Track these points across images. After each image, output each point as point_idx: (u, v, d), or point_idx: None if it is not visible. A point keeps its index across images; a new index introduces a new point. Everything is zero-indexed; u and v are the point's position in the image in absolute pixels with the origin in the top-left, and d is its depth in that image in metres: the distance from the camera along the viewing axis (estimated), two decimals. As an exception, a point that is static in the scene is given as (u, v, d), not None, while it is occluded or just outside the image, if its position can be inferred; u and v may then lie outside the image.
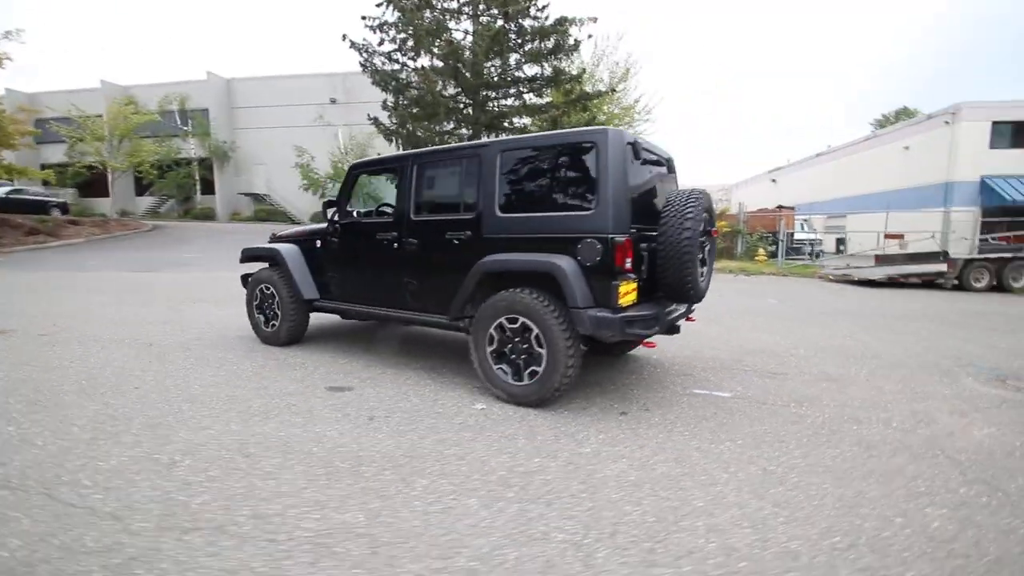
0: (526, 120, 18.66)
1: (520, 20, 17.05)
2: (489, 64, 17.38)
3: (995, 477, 2.61)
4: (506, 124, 18.75)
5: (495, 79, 18.12)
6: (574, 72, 18.71)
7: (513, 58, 17.84)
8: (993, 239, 13.87)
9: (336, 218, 4.57)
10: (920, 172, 21.43)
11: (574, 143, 3.32)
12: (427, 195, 4.08)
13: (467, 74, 17.41)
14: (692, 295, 3.46)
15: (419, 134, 18.07)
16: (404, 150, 18.99)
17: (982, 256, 11.44)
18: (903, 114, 48.17)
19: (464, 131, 19.11)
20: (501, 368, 3.55)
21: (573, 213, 3.28)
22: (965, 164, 19.73)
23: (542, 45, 17.64)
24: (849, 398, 3.85)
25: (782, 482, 2.51)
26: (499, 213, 3.57)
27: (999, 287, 11.15)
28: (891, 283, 12.06)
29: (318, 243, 4.80)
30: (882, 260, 13.32)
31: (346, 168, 23.88)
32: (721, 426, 3.21)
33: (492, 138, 19.41)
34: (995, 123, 19.29)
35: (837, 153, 29.51)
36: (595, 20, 17.30)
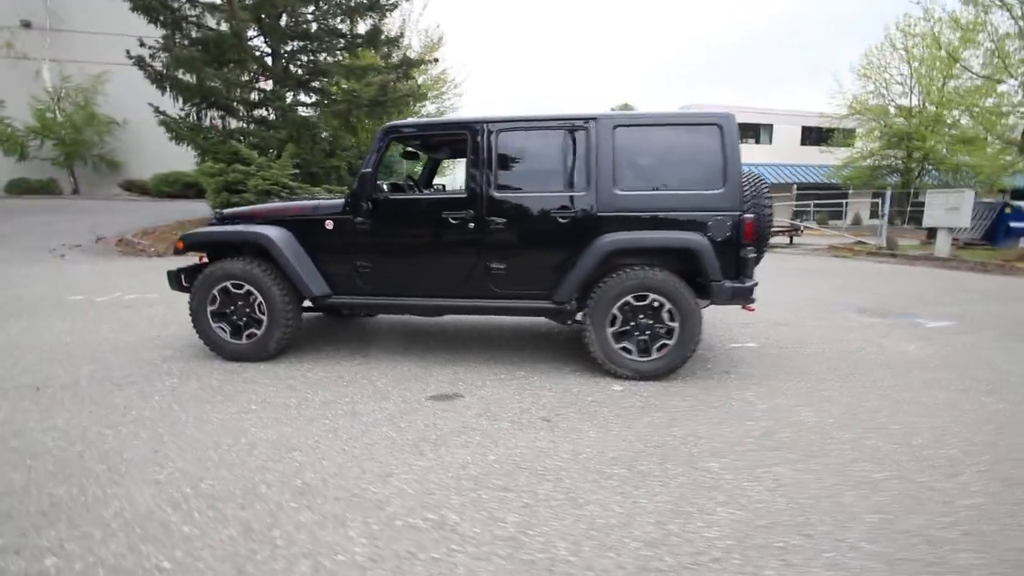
0: (346, 84, 16.91)
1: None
2: (302, 10, 15.12)
3: (983, 375, 3.85)
4: (323, 83, 16.74)
5: (304, 29, 15.85)
6: (392, 34, 17.62)
7: (327, 7, 15.84)
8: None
9: (368, 192, 3.68)
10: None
11: (697, 124, 3.45)
12: (516, 169, 3.65)
13: (269, 19, 14.83)
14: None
15: (211, 83, 14.80)
16: (184, 99, 15.30)
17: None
18: (623, 107, 59.32)
19: (266, 85, 16.37)
20: (623, 347, 3.54)
21: (702, 192, 3.43)
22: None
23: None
24: (817, 337, 4.98)
25: (921, 404, 3.24)
26: (616, 190, 3.48)
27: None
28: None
29: (329, 225, 3.80)
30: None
31: (60, 119, 18.49)
32: (804, 372, 3.86)
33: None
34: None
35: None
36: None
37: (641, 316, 3.50)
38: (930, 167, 22.31)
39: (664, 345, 3.49)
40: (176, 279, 3.96)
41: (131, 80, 16.45)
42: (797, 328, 5.31)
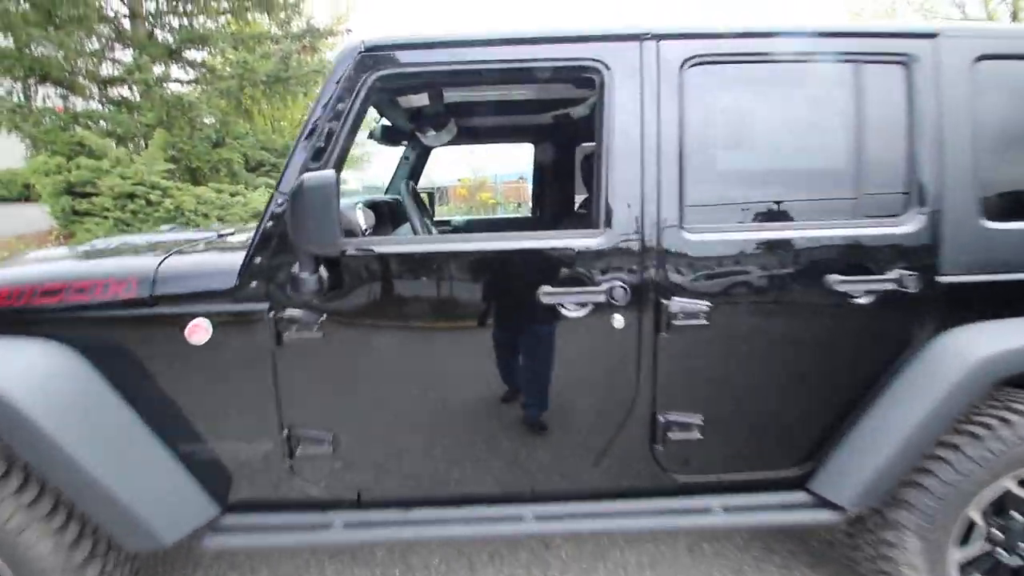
0: (233, 55, 13.50)
1: None
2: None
3: None
4: (203, 54, 13.27)
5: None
6: (291, -3, 14.35)
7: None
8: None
9: (323, 233, 1.25)
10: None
11: None
12: (729, 166, 1.49)
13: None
14: None
15: (39, 51, 11.02)
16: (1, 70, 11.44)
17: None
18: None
19: (125, 54, 12.66)
20: (981, 590, 1.50)
21: None
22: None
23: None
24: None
25: None
26: (983, 220, 1.39)
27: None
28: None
29: (199, 332, 1.35)
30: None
31: None
32: None
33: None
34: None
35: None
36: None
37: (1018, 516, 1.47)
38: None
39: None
40: None
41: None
42: None
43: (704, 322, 1.38)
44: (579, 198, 3.01)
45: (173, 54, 12.75)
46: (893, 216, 1.44)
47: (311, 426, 1.40)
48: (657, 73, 1.36)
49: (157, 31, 12.68)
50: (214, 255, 1.53)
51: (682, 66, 1.37)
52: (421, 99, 1.98)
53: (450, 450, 1.46)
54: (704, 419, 1.42)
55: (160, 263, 1.42)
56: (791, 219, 1.46)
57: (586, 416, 1.46)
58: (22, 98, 11.65)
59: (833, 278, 1.38)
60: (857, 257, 1.42)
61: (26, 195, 19.21)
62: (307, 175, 1.21)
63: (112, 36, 12.17)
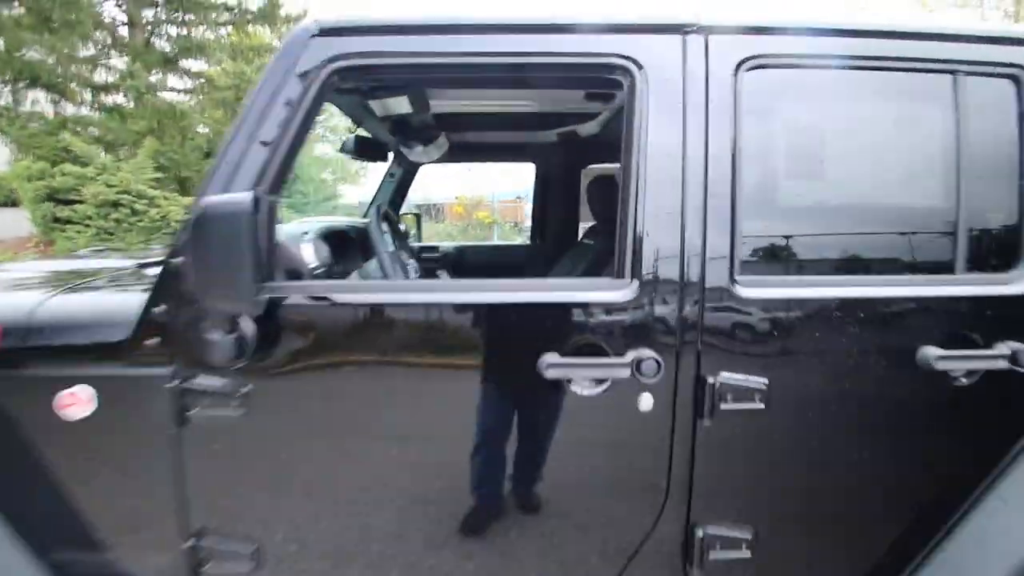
0: (231, 66, 13.37)
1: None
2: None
3: None
4: (199, 63, 13.12)
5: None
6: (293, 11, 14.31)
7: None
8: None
9: (253, 268, 0.88)
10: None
11: None
12: (791, 202, 1.20)
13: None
14: None
15: (29, 55, 10.85)
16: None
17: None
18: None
19: (119, 61, 12.48)
20: None
21: None
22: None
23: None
24: None
25: None
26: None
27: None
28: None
29: (78, 403, 1.00)
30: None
31: None
32: None
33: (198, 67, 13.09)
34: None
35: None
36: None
37: None
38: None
39: None
40: None
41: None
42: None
43: (759, 405, 1.02)
44: (583, 225, 2.72)
45: (168, 63, 12.59)
46: (1002, 270, 1.11)
47: (225, 534, 1.04)
48: (705, 76, 1.04)
49: (155, 39, 12.53)
50: (114, 295, 1.18)
51: (737, 68, 1.05)
52: (400, 104, 1.65)
53: (415, 568, 1.09)
54: (755, 533, 1.07)
55: (37, 304, 1.07)
56: (872, 272, 1.13)
57: (599, 525, 1.09)
58: (10, 101, 11.42)
59: (929, 352, 1.05)
60: (957, 325, 1.08)
61: (13, 199, 18.88)
62: (209, 198, 0.87)
63: (108, 43, 12.00)
